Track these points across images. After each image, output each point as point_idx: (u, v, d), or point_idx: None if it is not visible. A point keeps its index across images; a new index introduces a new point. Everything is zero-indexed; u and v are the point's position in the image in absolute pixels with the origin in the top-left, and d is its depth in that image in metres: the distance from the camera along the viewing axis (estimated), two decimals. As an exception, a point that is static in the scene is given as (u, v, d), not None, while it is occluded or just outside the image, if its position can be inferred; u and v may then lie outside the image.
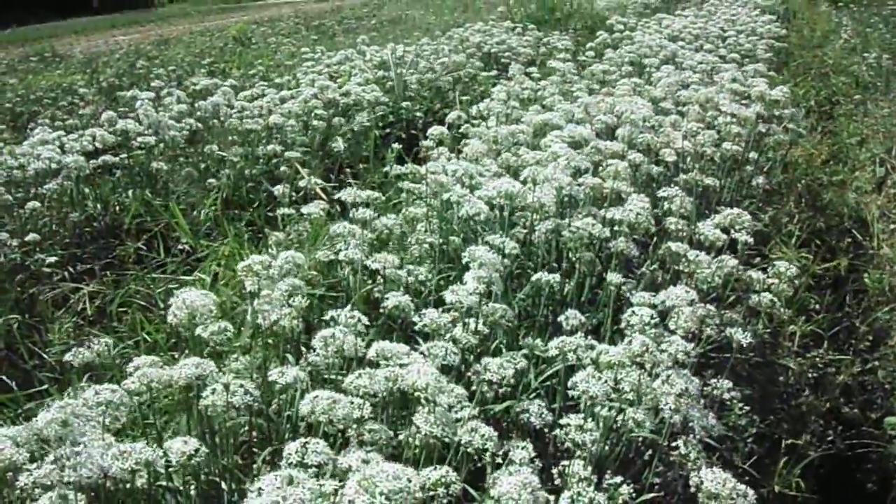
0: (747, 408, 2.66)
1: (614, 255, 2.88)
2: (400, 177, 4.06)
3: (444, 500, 1.69)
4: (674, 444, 2.09)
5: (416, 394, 1.77)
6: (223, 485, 2.18)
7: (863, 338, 3.73)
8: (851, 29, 10.31)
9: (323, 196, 3.88)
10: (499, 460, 1.87)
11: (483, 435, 1.78)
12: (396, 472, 1.37)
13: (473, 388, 2.18)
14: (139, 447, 1.71)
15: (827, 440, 3.06)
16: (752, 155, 4.35)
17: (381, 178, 5.11)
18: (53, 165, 4.86)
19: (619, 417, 2.15)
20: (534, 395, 2.43)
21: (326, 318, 2.19)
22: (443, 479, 1.66)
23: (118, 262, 4.68)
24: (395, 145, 4.77)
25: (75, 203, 4.99)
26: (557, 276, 2.69)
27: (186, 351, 2.60)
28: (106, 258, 4.71)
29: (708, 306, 2.45)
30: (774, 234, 4.20)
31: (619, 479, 1.94)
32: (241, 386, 1.90)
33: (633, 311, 2.26)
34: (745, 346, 2.36)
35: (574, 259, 3.02)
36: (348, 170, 5.73)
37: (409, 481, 1.35)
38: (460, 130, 4.89)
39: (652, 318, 2.23)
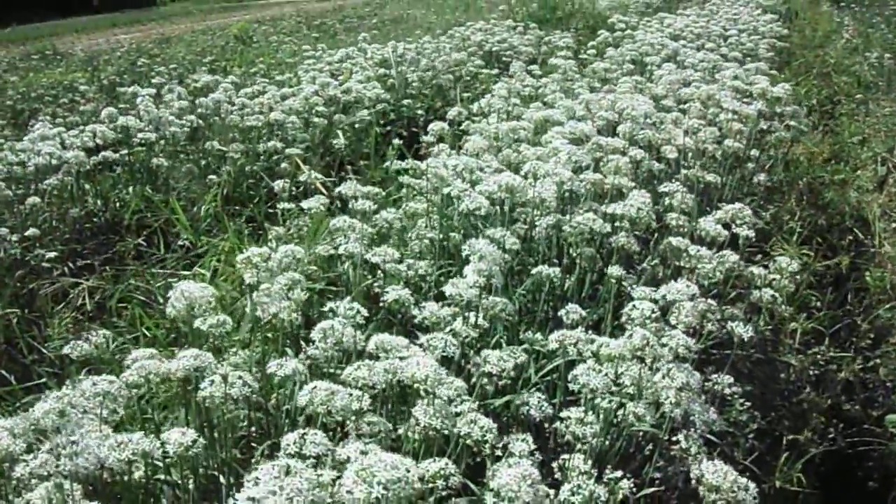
0: (748, 404, 2.65)
1: (615, 250, 2.87)
2: (400, 172, 4.05)
3: (443, 493, 1.68)
4: (674, 438, 2.08)
5: (416, 385, 1.76)
6: (221, 479, 2.18)
7: (864, 336, 3.72)
8: (853, 29, 10.30)
9: (323, 191, 3.87)
10: (498, 454, 1.86)
11: (482, 426, 1.76)
12: (394, 461, 1.35)
13: (473, 382, 2.17)
14: (136, 437, 1.70)
15: (828, 437, 3.05)
16: (754, 152, 4.35)
17: (381, 175, 5.10)
18: (54, 161, 4.85)
19: (620, 412, 2.14)
20: (534, 390, 2.42)
21: (325, 309, 2.18)
22: (441, 472, 1.65)
23: (118, 257, 4.67)
24: (396, 141, 4.75)
25: (75, 199, 4.98)
26: (558, 270, 2.67)
27: (186, 346, 2.59)
28: (106, 254, 4.70)
29: (709, 301, 2.44)
30: (776, 231, 4.19)
31: (619, 473, 1.94)
32: (240, 377, 1.89)
33: (634, 305, 2.25)
34: (745, 340, 2.35)
35: (575, 255, 3.01)
36: (349, 167, 5.72)
37: (408, 471, 1.34)
38: (461, 127, 4.88)
39: (653, 312, 2.22)
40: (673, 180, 3.45)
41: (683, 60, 5.96)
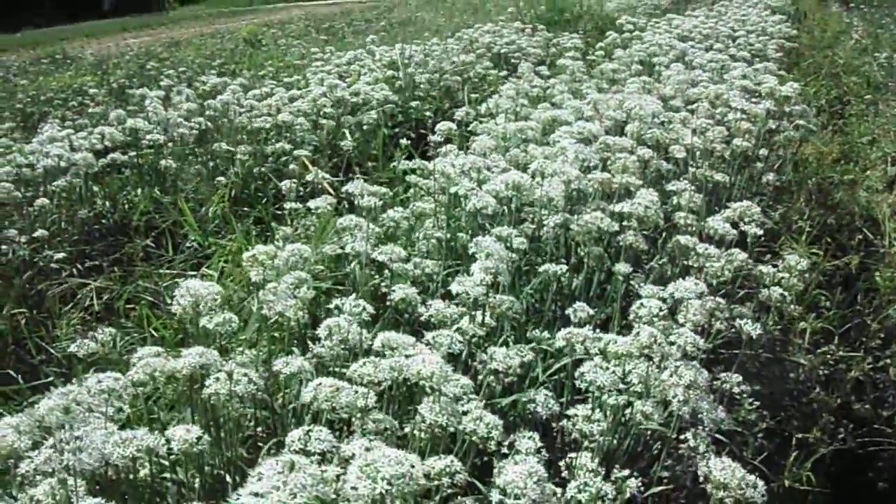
0: (757, 403, 2.64)
1: (623, 248, 2.86)
2: (407, 172, 4.05)
3: (449, 491, 1.67)
4: (682, 437, 2.07)
5: (422, 382, 1.75)
6: (227, 477, 2.17)
7: (874, 336, 3.69)
8: (862, 29, 10.26)
9: (330, 191, 3.87)
10: (505, 451, 1.85)
11: (488, 423, 1.75)
12: (399, 457, 1.35)
13: (480, 383, 2.16)
14: (141, 434, 1.70)
15: (838, 437, 3.03)
16: (763, 152, 4.33)
17: (389, 176, 5.10)
18: (62, 163, 4.86)
19: (628, 410, 2.13)
20: (541, 388, 2.41)
21: (331, 306, 2.18)
22: (447, 469, 1.64)
23: (126, 259, 4.68)
24: (404, 141, 4.75)
25: (84, 200, 5.00)
26: (565, 268, 2.66)
27: (193, 346, 2.59)
28: (114, 255, 4.71)
29: (717, 299, 2.43)
30: (784, 231, 4.17)
31: (626, 472, 1.92)
32: (245, 375, 1.88)
33: (642, 304, 2.24)
34: (754, 338, 2.33)
35: (583, 254, 3.00)
36: (357, 168, 5.73)
37: (412, 467, 1.34)
38: (469, 128, 4.87)
39: (661, 309, 2.20)
40: (681, 179, 3.44)
41: (692, 61, 5.94)
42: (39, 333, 3.75)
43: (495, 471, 1.77)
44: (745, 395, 2.46)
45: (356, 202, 2.64)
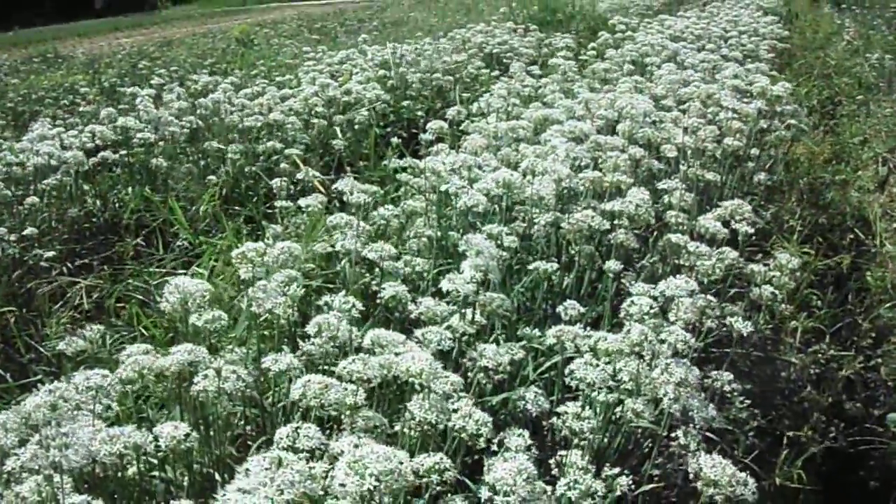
0: (748, 402, 2.64)
1: (614, 247, 2.86)
2: (397, 171, 4.04)
3: (438, 488, 1.67)
4: (673, 435, 2.06)
5: (411, 380, 1.74)
6: (216, 476, 2.16)
7: (865, 335, 3.70)
8: (854, 30, 10.29)
9: (321, 189, 3.86)
10: (495, 449, 1.85)
11: (477, 420, 1.75)
12: (387, 453, 1.34)
13: (470, 381, 2.16)
14: (128, 430, 1.68)
15: (829, 436, 3.03)
16: (754, 151, 4.33)
17: (381, 175, 5.09)
18: (53, 161, 4.83)
19: (618, 409, 2.13)
20: (531, 386, 2.41)
21: (320, 303, 2.17)
22: (436, 466, 1.63)
23: (117, 257, 4.66)
24: (395, 140, 4.74)
25: (74, 199, 4.97)
26: (556, 265, 2.66)
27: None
28: (104, 254, 4.69)
29: (708, 297, 2.43)
30: (776, 231, 4.18)
31: (617, 470, 1.92)
32: (234, 372, 1.87)
33: (633, 301, 2.24)
34: (745, 336, 2.33)
35: (573, 253, 2.99)
36: (349, 168, 5.71)
37: (401, 463, 1.33)
38: (460, 128, 4.87)
39: (651, 307, 2.20)
40: (672, 178, 3.44)
41: (683, 61, 5.94)
42: (29, 332, 3.72)
43: (485, 468, 1.77)
44: (736, 394, 2.45)
45: (346, 199, 2.63)
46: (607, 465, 2.00)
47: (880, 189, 5.21)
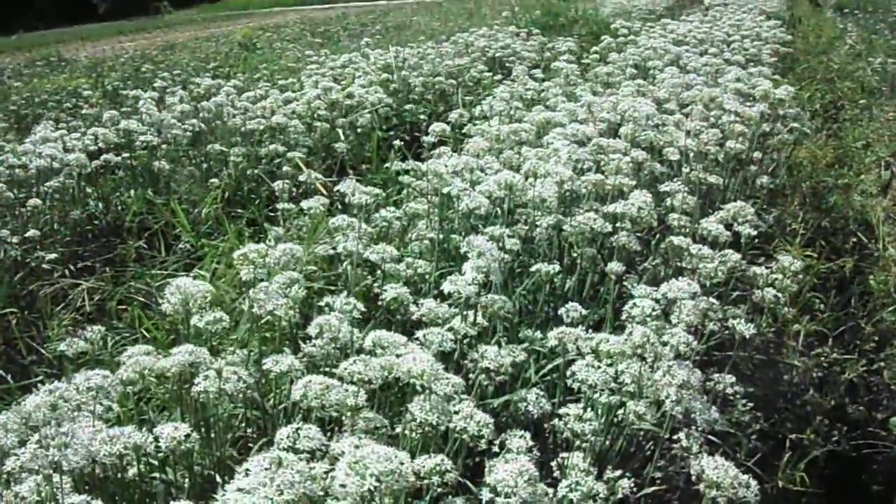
0: (750, 405, 2.63)
1: (616, 249, 2.85)
2: (399, 173, 4.04)
3: (439, 490, 1.66)
4: (675, 437, 2.05)
5: (413, 381, 1.73)
6: (217, 478, 2.15)
7: (868, 339, 3.68)
8: (857, 35, 10.29)
9: (323, 191, 3.86)
10: (496, 451, 1.84)
11: (478, 421, 1.74)
12: (388, 454, 1.33)
13: (472, 383, 2.15)
14: (128, 431, 1.68)
15: (832, 440, 3.02)
16: (756, 155, 4.33)
17: (383, 178, 5.09)
18: (55, 164, 4.84)
19: (620, 411, 2.12)
20: (533, 389, 2.40)
21: (322, 304, 2.16)
22: (437, 468, 1.62)
23: (119, 260, 4.66)
24: (397, 142, 4.74)
25: (77, 201, 4.97)
26: (557, 267, 2.65)
27: (183, 345, 2.58)
28: (106, 256, 4.69)
29: (711, 299, 2.42)
30: (778, 234, 4.17)
31: (618, 473, 1.91)
32: (235, 373, 1.87)
33: (635, 303, 2.23)
34: (747, 338, 2.32)
35: (576, 255, 2.99)
36: (351, 171, 5.71)
37: (402, 464, 1.32)
38: (463, 131, 4.87)
39: (654, 310, 2.19)
40: (675, 181, 3.44)
41: (686, 65, 5.94)
42: (30, 334, 3.72)
43: (486, 470, 1.76)
44: (738, 396, 2.45)
45: (348, 200, 2.63)
46: (609, 467, 1.99)
47: (883, 193, 5.21)
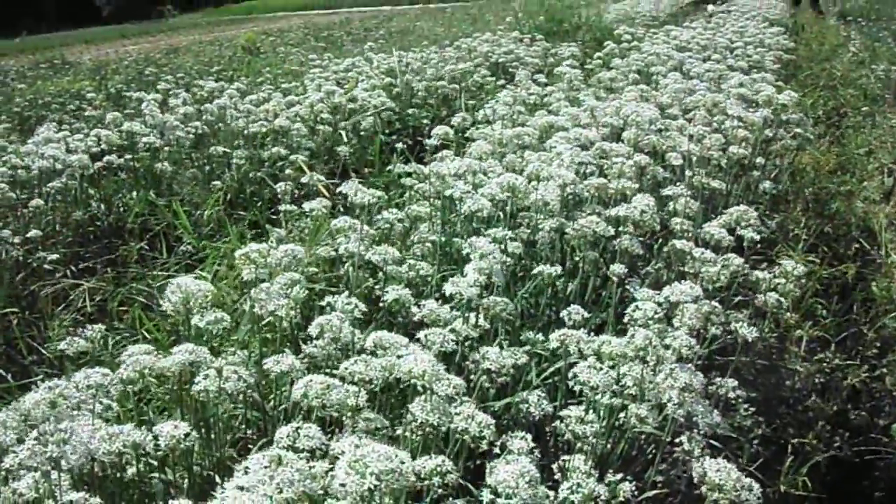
0: (753, 409, 2.62)
1: (619, 252, 2.85)
2: (401, 176, 4.04)
3: (440, 491, 1.65)
4: (677, 440, 2.04)
5: (413, 381, 1.73)
6: (217, 478, 2.15)
7: (870, 345, 3.67)
8: (860, 43, 10.29)
9: (325, 193, 3.86)
10: (497, 453, 1.83)
11: (480, 422, 1.73)
12: (388, 453, 1.32)
13: (473, 385, 2.14)
14: (127, 429, 1.67)
15: (834, 445, 3.01)
16: (759, 160, 4.32)
17: (385, 181, 5.09)
18: (58, 165, 4.84)
19: (622, 414, 2.11)
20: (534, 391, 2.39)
21: (323, 304, 2.16)
22: (438, 469, 1.62)
23: (120, 261, 4.65)
24: (400, 145, 4.74)
25: (79, 202, 4.97)
26: (559, 269, 2.65)
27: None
28: (108, 257, 4.68)
29: (713, 303, 2.41)
30: (781, 239, 4.16)
31: (620, 476, 1.90)
32: (235, 372, 1.86)
33: (637, 306, 2.22)
34: (750, 341, 2.32)
35: (578, 259, 2.98)
36: (354, 174, 5.71)
37: (402, 463, 1.31)
38: (465, 135, 4.86)
39: (656, 312, 2.19)
40: (678, 185, 3.43)
41: (689, 71, 5.93)
42: (31, 334, 3.72)
43: (487, 471, 1.75)
44: (740, 401, 2.44)
45: (350, 199, 2.63)
46: (610, 470, 1.98)
47: (886, 200, 5.19)
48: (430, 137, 4.36)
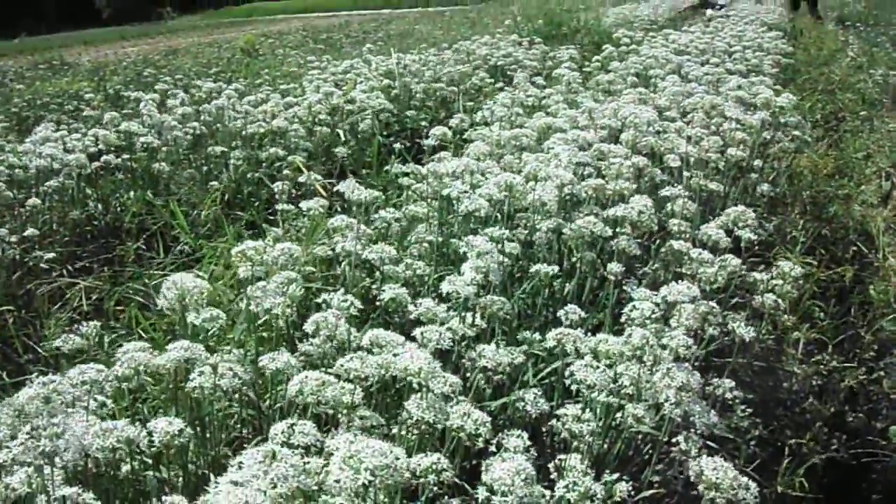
0: (749, 411, 2.61)
1: (616, 253, 2.84)
2: (398, 176, 4.04)
3: (435, 489, 1.64)
4: (674, 440, 2.04)
5: (409, 378, 1.72)
6: (212, 477, 2.13)
7: (868, 347, 3.67)
8: (858, 47, 10.31)
9: (322, 193, 3.85)
10: (493, 451, 1.82)
11: (475, 419, 1.72)
12: (383, 448, 1.32)
13: (469, 384, 2.13)
14: (121, 424, 1.66)
15: (831, 448, 3.00)
16: (757, 163, 4.32)
17: (383, 182, 5.08)
18: (55, 164, 4.83)
19: (619, 414, 2.10)
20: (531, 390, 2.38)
21: (319, 301, 2.15)
22: (434, 467, 1.61)
23: (117, 260, 4.64)
24: (397, 145, 4.73)
25: (76, 202, 4.96)
26: (556, 268, 2.64)
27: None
28: (105, 256, 4.67)
29: (711, 303, 2.40)
30: (779, 242, 4.16)
31: (616, 476, 1.89)
32: (230, 369, 1.85)
33: (634, 306, 2.22)
34: (747, 341, 2.31)
35: (575, 260, 2.98)
36: (351, 175, 5.70)
37: (397, 458, 1.30)
38: (463, 137, 4.86)
39: (653, 312, 2.18)
40: (675, 187, 3.43)
41: (687, 74, 5.94)
42: (27, 332, 3.71)
43: (483, 469, 1.75)
44: (737, 401, 2.43)
45: (347, 196, 2.62)
46: (607, 471, 1.97)
47: (883, 203, 5.20)
48: (427, 139, 4.36)
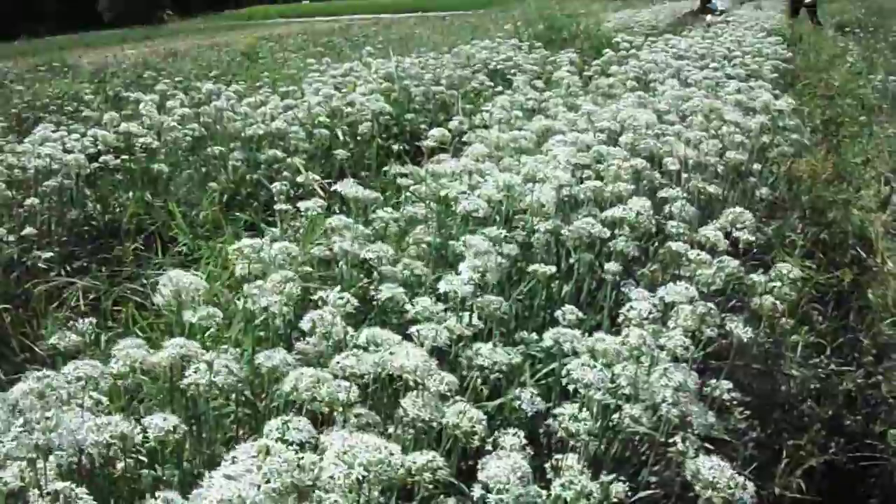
0: (747, 412, 2.61)
1: (614, 254, 2.84)
2: (397, 176, 4.03)
3: (430, 487, 1.63)
4: (671, 441, 2.03)
5: (406, 376, 1.71)
6: (207, 474, 2.12)
7: (866, 351, 3.66)
8: (857, 53, 10.33)
9: (321, 193, 3.85)
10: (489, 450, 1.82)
11: (472, 417, 1.72)
12: (377, 444, 1.31)
13: (466, 385, 2.13)
14: (116, 419, 1.65)
15: (829, 451, 3.00)
16: (756, 166, 4.32)
17: (382, 184, 5.08)
18: (54, 164, 4.83)
19: (616, 415, 2.10)
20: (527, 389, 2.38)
21: (315, 298, 2.15)
22: (429, 464, 1.60)
23: (115, 260, 4.64)
24: (396, 146, 4.74)
25: (75, 202, 4.96)
26: (554, 268, 2.64)
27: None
28: (103, 256, 4.67)
29: (709, 304, 2.40)
30: (778, 245, 4.16)
31: (613, 476, 1.89)
32: (226, 366, 1.84)
33: (632, 306, 2.21)
34: (745, 342, 2.30)
35: (573, 261, 2.97)
36: (351, 177, 5.69)
37: (391, 454, 1.30)
38: (462, 139, 4.86)
39: (650, 312, 2.17)
40: (674, 188, 3.43)
41: (687, 78, 5.95)
42: (24, 332, 3.70)
43: (479, 467, 1.74)
44: (735, 403, 2.42)
45: (345, 194, 2.62)
46: (604, 471, 1.96)
47: (882, 208, 5.20)
48: (426, 141, 4.36)
